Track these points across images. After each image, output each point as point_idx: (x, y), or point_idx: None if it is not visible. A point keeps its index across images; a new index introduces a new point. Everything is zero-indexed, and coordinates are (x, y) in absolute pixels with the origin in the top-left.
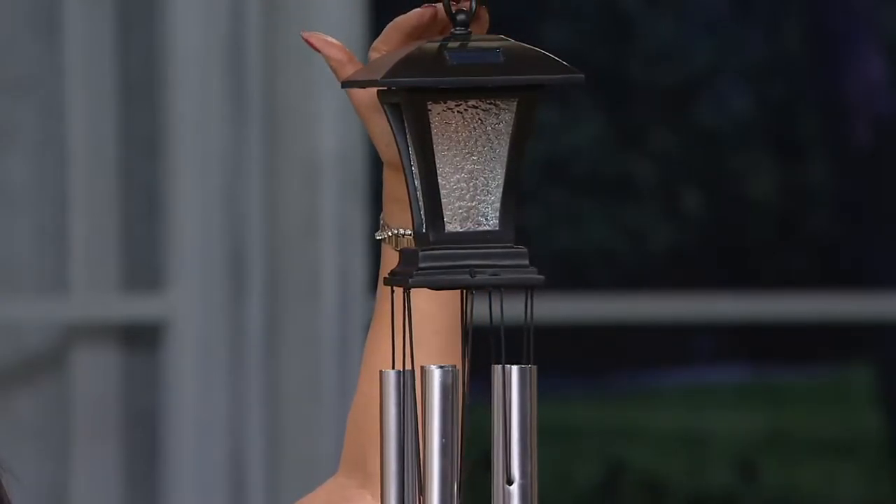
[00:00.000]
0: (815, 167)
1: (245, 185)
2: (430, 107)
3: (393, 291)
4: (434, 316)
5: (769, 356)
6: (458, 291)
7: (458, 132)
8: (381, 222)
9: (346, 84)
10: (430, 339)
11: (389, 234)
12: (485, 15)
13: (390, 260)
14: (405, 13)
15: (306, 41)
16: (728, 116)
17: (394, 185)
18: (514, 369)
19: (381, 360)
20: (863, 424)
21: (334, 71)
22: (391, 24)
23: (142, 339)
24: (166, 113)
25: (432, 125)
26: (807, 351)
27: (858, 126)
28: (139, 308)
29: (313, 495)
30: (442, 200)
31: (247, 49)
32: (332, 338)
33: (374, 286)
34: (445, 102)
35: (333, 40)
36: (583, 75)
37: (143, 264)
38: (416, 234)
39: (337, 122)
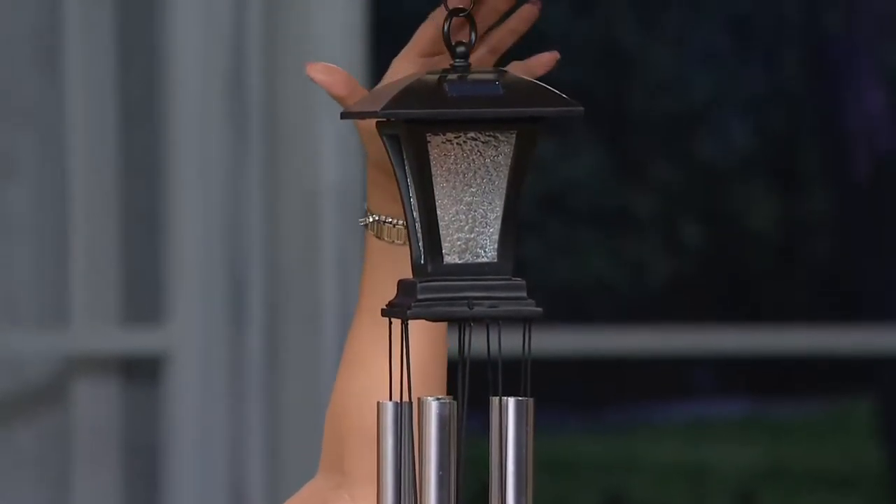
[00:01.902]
0: (816, 199)
1: (245, 215)
2: (429, 138)
3: (391, 323)
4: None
5: (769, 389)
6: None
7: (457, 164)
8: (366, 209)
9: (346, 115)
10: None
11: (371, 219)
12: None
13: (371, 248)
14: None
15: (309, 74)
16: (728, 148)
17: (375, 174)
18: (511, 402)
19: (356, 352)
20: (863, 458)
21: (338, 100)
22: (424, 27)
23: (142, 371)
24: (166, 143)
25: (431, 157)
26: (806, 384)
27: (859, 158)
28: (140, 340)
29: (293, 500)
30: (440, 232)
31: (247, 79)
32: (334, 368)
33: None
34: (444, 134)
35: (336, 73)
36: (582, 108)
37: (144, 296)
38: (415, 266)
39: (337, 152)
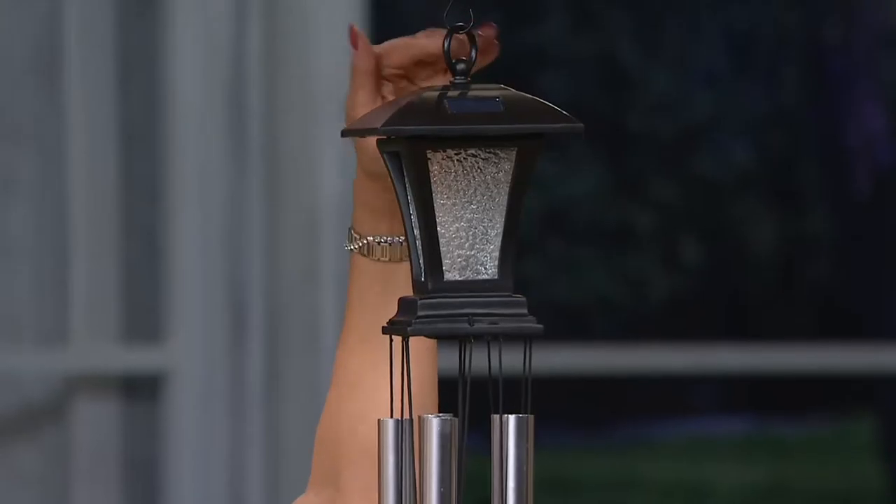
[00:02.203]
0: (816, 217)
1: (245, 233)
2: (429, 155)
3: (392, 340)
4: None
5: (770, 407)
6: (435, 345)
7: (457, 181)
8: (350, 233)
9: (347, 133)
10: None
11: (361, 243)
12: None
13: (360, 270)
14: (420, 35)
15: (351, 31)
16: (728, 166)
17: (368, 194)
18: (512, 419)
19: (350, 373)
20: (863, 476)
21: (353, 72)
22: (403, 42)
23: (142, 389)
24: (166, 161)
25: (432, 174)
26: (807, 402)
27: (858, 176)
28: (139, 359)
29: None
30: (441, 249)
31: (247, 96)
32: None
33: None
34: (445, 151)
35: (369, 48)
36: (582, 125)
37: (144, 314)
38: (415, 283)
39: (337, 170)
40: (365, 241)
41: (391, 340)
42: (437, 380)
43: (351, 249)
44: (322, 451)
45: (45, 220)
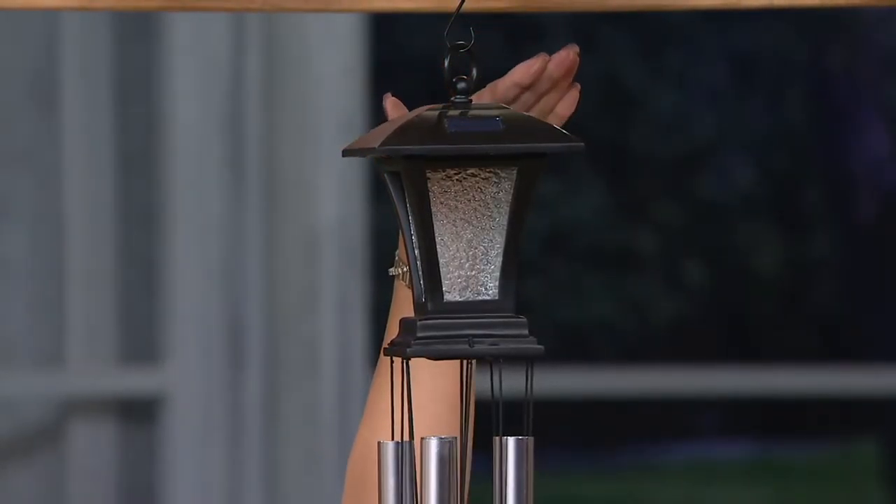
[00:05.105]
0: (819, 240)
1: (244, 257)
2: (429, 175)
3: (392, 361)
4: (432, 383)
5: (773, 430)
6: (458, 361)
7: (457, 201)
8: (396, 258)
9: (347, 153)
10: (427, 406)
11: (403, 269)
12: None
13: (402, 298)
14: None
15: (386, 101)
16: (731, 189)
17: None
18: (511, 440)
19: (382, 410)
20: (868, 500)
21: None
22: (510, 78)
23: (139, 413)
24: (164, 185)
25: (431, 193)
26: (811, 425)
27: (862, 199)
28: (137, 382)
29: None
30: (441, 269)
31: (246, 120)
32: (332, 411)
33: (374, 358)
34: (445, 171)
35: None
36: (583, 144)
37: (141, 338)
38: (416, 303)
39: (336, 194)
40: (406, 269)
41: (392, 362)
42: (458, 398)
43: (394, 275)
44: (355, 484)
45: (41, 243)
